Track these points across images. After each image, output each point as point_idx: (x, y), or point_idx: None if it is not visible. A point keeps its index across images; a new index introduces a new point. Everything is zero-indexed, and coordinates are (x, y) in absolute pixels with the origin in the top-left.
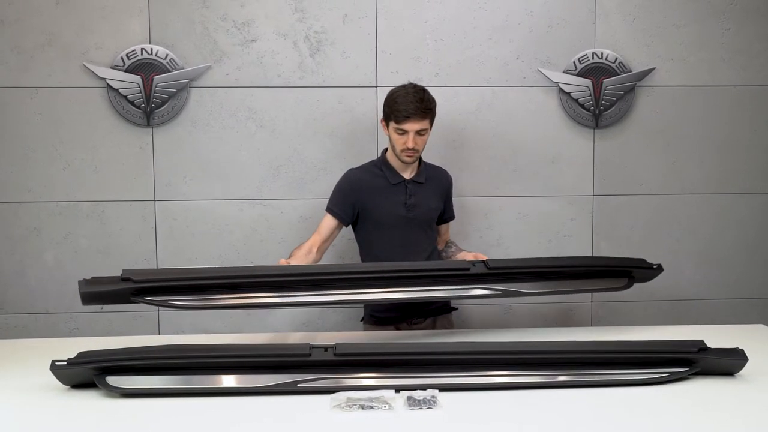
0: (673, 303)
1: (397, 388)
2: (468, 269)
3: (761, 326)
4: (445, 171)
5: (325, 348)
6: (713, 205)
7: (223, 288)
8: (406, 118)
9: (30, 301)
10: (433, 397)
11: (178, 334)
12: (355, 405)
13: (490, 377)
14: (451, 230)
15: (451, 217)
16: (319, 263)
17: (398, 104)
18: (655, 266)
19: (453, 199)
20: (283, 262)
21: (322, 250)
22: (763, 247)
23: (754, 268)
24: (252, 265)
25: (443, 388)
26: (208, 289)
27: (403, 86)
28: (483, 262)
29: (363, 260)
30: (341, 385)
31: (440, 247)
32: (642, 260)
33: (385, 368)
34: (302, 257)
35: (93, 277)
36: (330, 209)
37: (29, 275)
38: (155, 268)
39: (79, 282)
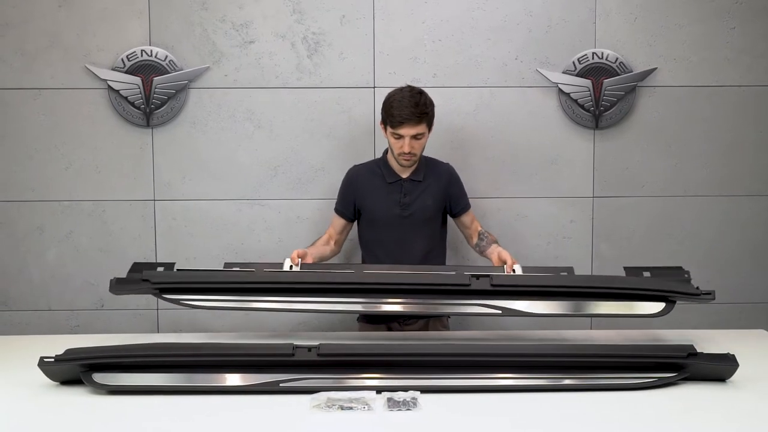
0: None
1: (379, 389)
2: (468, 285)
3: (762, 331)
4: (446, 165)
5: (309, 348)
6: (716, 208)
7: (227, 291)
8: (401, 123)
9: (32, 298)
10: (414, 398)
11: (176, 332)
12: (335, 405)
13: (472, 380)
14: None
15: (464, 209)
16: (317, 270)
17: (394, 109)
18: (702, 293)
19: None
20: (296, 254)
21: (339, 242)
22: (767, 250)
23: (759, 272)
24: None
25: (425, 390)
26: (215, 291)
27: (400, 90)
28: (487, 276)
29: (363, 259)
30: (324, 385)
31: (473, 240)
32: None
33: (368, 369)
34: (321, 246)
35: (118, 278)
36: (335, 207)
37: (32, 273)
38: (176, 270)
39: (111, 281)
